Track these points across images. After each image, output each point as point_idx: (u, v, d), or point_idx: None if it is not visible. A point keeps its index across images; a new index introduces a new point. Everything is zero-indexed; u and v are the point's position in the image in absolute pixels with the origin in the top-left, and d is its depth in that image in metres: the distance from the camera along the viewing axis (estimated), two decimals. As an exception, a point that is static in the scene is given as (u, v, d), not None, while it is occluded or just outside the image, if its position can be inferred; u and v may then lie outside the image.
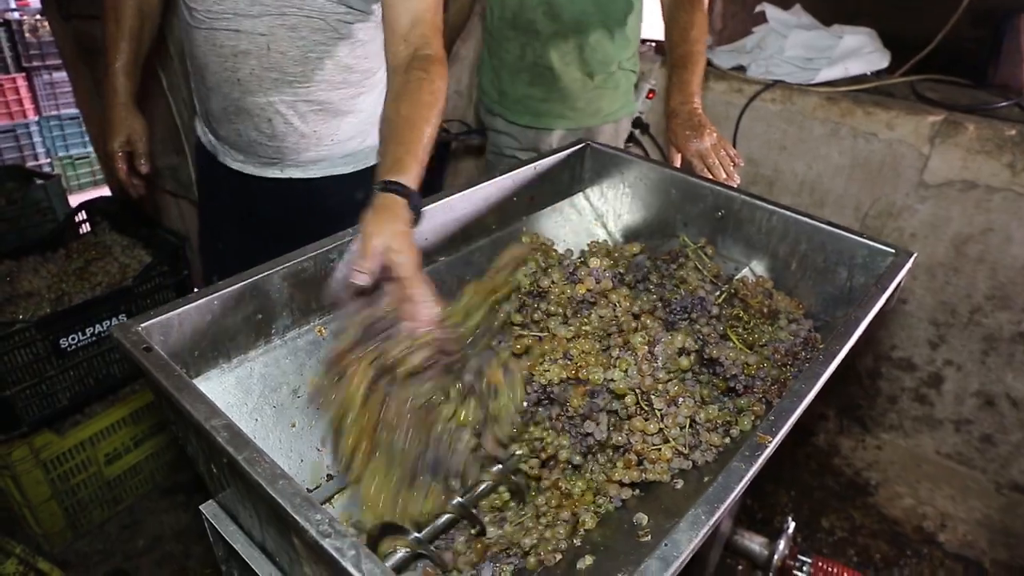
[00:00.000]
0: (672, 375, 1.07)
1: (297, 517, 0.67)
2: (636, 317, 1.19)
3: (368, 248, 0.96)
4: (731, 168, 1.59)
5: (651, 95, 2.53)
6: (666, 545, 0.66)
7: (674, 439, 1.01)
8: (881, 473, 2.36)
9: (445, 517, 0.95)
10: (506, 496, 1.06)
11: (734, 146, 2.32)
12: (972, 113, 2.03)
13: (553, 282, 1.21)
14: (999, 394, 2.19)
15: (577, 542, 1.00)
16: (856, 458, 2.42)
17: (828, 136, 2.20)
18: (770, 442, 0.80)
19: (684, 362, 1.07)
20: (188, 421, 0.81)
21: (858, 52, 2.20)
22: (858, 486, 2.32)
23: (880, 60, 2.22)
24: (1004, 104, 2.02)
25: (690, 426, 1.03)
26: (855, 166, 2.18)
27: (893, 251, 1.28)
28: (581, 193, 1.65)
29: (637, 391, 1.02)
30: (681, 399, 1.02)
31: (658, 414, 1.01)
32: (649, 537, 0.90)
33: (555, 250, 1.28)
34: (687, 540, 0.67)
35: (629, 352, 1.06)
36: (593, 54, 1.85)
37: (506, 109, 2.02)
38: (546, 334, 1.18)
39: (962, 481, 2.32)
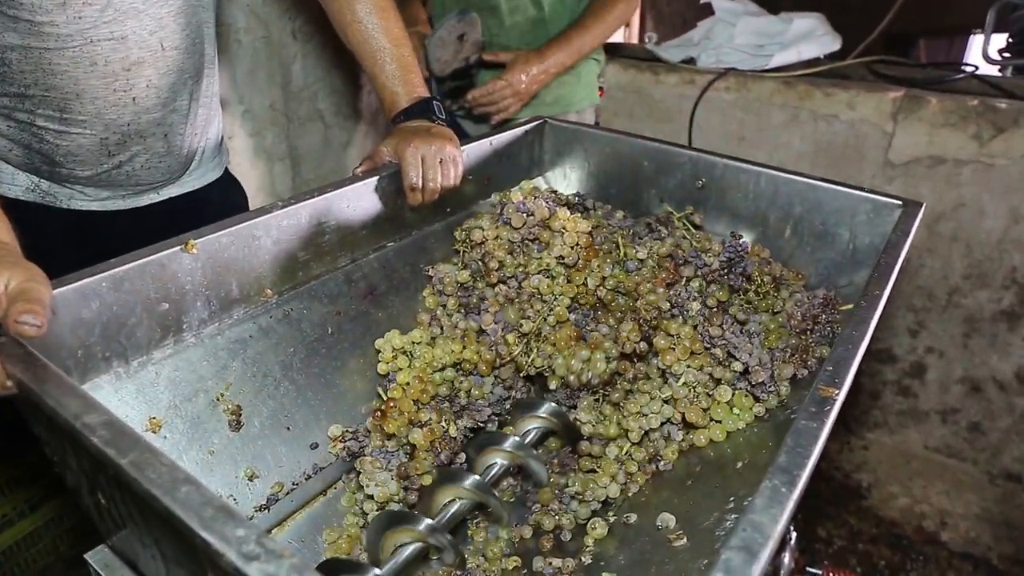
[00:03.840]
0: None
1: (209, 537, 0.45)
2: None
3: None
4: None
5: (600, 93, 2.42)
6: (745, 531, 0.47)
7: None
8: (871, 474, 2.23)
9: (459, 504, 0.75)
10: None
11: (690, 142, 2.22)
12: (931, 87, 1.97)
13: (483, 229, 1.11)
14: (984, 378, 2.10)
15: (587, 560, 0.79)
16: (844, 460, 2.28)
17: (788, 122, 2.11)
18: (836, 395, 0.63)
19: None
20: (57, 429, 0.58)
21: (810, 35, 2.14)
22: (850, 490, 2.18)
23: (832, 43, 2.16)
24: (962, 76, 1.97)
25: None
26: (818, 151, 2.09)
27: (900, 203, 1.15)
28: (541, 177, 1.48)
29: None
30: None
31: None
32: (685, 540, 0.71)
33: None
34: (771, 520, 0.48)
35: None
36: (554, 33, 1.72)
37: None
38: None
39: (954, 475, 2.20)
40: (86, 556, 0.73)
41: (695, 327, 1.00)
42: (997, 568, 1.93)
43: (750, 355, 0.96)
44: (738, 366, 0.97)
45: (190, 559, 0.56)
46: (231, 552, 0.44)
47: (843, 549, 2.00)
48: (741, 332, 1.00)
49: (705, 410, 0.95)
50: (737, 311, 1.01)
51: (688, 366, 0.98)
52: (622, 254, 1.09)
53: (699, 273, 1.04)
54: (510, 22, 1.73)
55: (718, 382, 0.98)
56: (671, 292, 1.02)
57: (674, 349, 0.98)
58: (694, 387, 0.96)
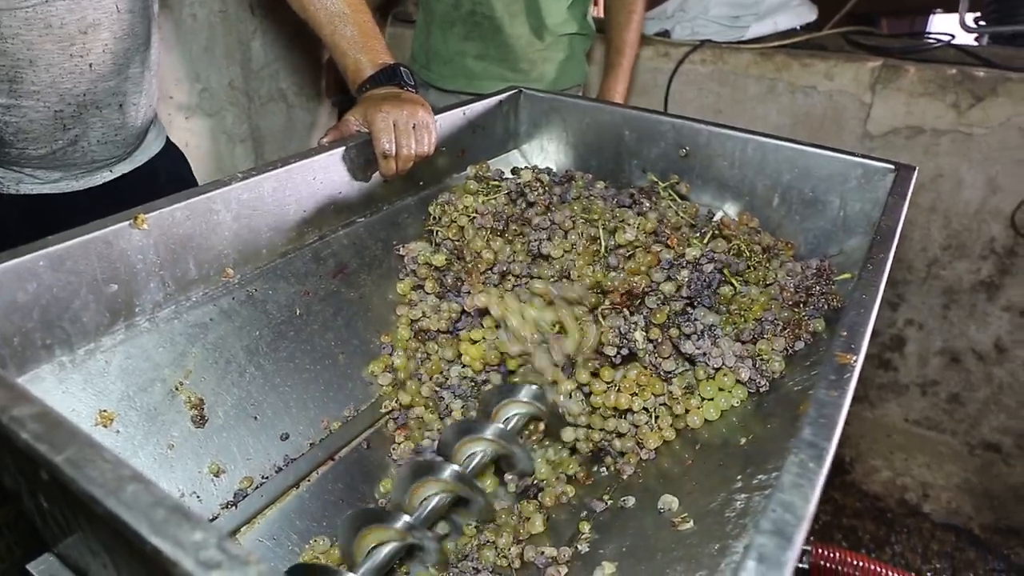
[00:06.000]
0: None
1: (160, 543, 0.38)
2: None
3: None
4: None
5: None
6: (775, 511, 0.42)
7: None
8: (853, 449, 2.22)
9: (440, 497, 0.70)
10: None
11: (665, 111, 2.17)
12: (909, 56, 1.94)
13: (459, 222, 1.06)
14: (963, 349, 2.09)
15: (584, 547, 0.74)
16: (825, 436, 2.26)
17: (765, 94, 2.07)
18: (854, 361, 0.58)
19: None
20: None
21: (786, 6, 2.09)
22: (833, 464, 2.16)
23: (809, 13, 2.13)
24: (939, 45, 1.95)
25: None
26: (795, 124, 2.06)
27: (893, 167, 1.11)
28: (516, 150, 1.42)
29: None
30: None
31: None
32: (691, 523, 0.65)
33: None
34: (802, 499, 0.43)
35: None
36: (544, 3, 1.64)
37: (434, 74, 1.77)
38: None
39: (934, 447, 2.20)
40: (28, 567, 0.66)
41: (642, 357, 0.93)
42: (979, 537, 1.94)
43: (723, 357, 0.90)
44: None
45: (144, 568, 0.49)
46: (187, 560, 0.37)
47: (828, 524, 1.99)
48: (703, 336, 0.92)
49: (677, 415, 0.89)
50: (681, 325, 0.92)
51: (640, 393, 0.91)
52: (603, 250, 1.02)
53: (672, 277, 0.96)
54: None
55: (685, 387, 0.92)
56: (617, 323, 0.95)
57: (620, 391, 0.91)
58: (653, 413, 0.90)
